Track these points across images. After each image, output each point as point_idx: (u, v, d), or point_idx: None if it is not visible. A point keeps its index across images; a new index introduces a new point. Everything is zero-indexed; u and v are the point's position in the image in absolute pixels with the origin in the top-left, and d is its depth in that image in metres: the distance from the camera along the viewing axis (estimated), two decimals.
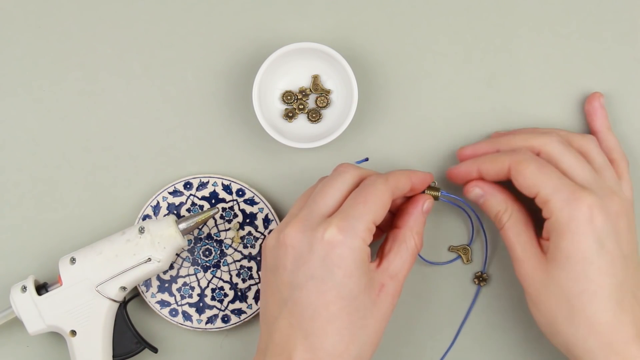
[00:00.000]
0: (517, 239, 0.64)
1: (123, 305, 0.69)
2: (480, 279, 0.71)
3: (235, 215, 0.72)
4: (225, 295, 0.72)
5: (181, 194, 0.72)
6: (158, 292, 0.71)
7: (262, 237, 0.72)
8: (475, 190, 0.66)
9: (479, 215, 0.71)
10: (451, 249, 0.72)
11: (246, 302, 0.71)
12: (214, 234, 0.72)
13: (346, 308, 0.59)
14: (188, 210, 0.72)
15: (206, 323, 0.71)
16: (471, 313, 0.72)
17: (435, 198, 0.67)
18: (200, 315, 0.71)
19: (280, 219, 0.72)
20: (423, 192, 0.67)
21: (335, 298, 0.59)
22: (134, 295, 0.71)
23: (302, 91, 0.72)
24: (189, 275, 0.72)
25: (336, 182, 0.62)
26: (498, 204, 0.66)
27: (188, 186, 0.72)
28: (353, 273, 0.59)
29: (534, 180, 0.62)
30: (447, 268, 0.72)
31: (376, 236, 0.63)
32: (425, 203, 0.65)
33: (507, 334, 0.72)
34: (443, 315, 0.72)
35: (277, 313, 0.61)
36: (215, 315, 0.71)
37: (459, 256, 0.72)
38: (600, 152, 0.67)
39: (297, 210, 0.63)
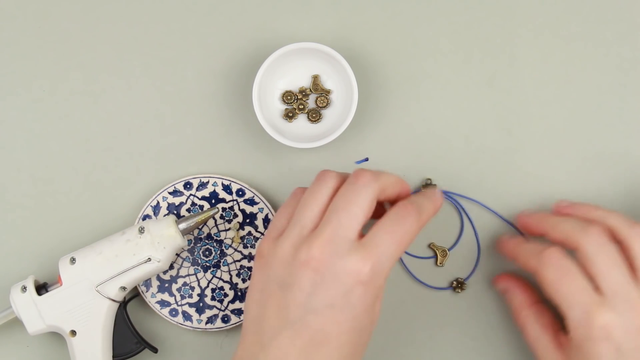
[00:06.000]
0: (537, 341, 0.66)
1: (123, 305, 0.69)
2: (458, 285, 0.71)
3: (235, 215, 0.72)
4: (225, 295, 0.72)
5: (181, 194, 0.72)
6: (158, 292, 0.71)
7: (262, 237, 0.72)
8: (500, 286, 0.70)
9: (472, 221, 0.72)
10: (431, 246, 0.72)
11: None
12: (214, 234, 0.72)
13: (355, 338, 0.59)
14: (188, 210, 0.72)
15: (206, 323, 0.71)
16: (467, 317, 0.72)
17: None
18: (200, 315, 0.71)
19: None
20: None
21: (349, 329, 0.59)
22: (134, 295, 0.71)
23: (302, 91, 0.72)
24: (189, 275, 0.72)
25: (360, 197, 0.60)
26: (519, 303, 0.68)
27: (188, 186, 0.72)
28: (370, 308, 0.59)
29: (551, 291, 0.62)
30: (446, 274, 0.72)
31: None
32: None
33: (500, 336, 0.72)
34: (443, 316, 0.72)
35: (278, 328, 0.59)
36: (215, 315, 0.71)
37: (435, 255, 0.72)
38: None
39: (284, 220, 0.62)
